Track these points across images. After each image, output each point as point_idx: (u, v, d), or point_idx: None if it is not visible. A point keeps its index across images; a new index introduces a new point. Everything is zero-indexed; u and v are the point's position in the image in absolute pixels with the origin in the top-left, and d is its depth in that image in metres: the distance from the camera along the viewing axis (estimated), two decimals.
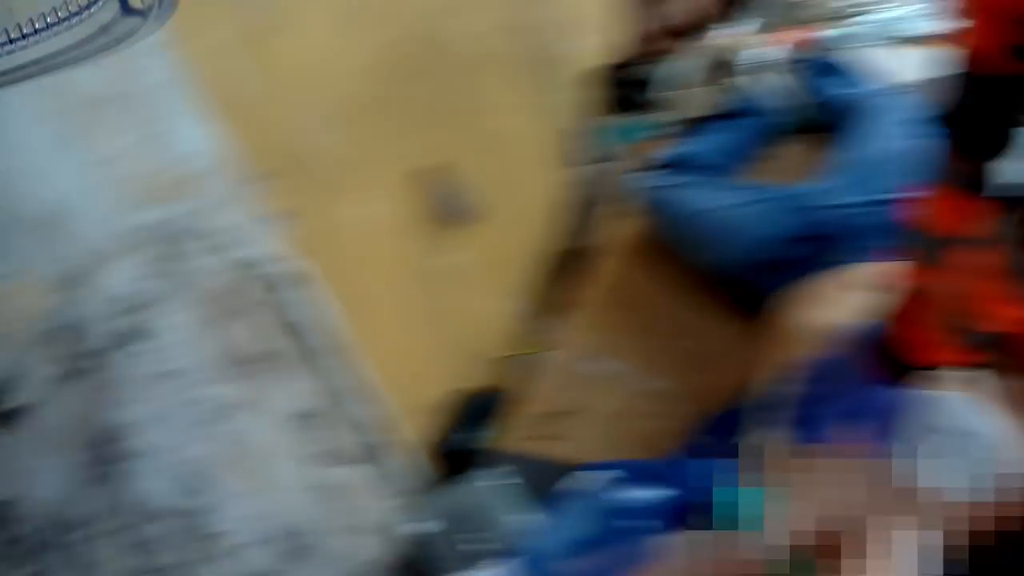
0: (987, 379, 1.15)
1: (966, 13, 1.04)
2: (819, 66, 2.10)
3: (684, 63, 2.34)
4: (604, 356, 1.63)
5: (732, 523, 1.08)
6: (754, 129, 1.98)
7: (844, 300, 1.31)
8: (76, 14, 0.85)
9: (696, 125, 2.03)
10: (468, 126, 1.68)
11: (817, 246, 1.49)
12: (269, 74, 1.13)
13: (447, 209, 1.51)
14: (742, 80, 2.12)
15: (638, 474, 1.21)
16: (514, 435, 1.53)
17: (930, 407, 1.12)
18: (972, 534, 1.03)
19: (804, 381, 1.15)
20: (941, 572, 1.01)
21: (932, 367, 1.03)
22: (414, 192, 1.47)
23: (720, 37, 2.37)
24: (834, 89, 1.98)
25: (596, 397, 1.56)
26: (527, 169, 2.00)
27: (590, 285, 1.82)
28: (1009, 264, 0.92)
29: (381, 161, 1.39)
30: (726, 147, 1.90)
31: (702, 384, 1.51)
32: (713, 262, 1.64)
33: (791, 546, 1.04)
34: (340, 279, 1.25)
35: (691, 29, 2.62)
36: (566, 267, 1.95)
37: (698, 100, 2.15)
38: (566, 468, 1.36)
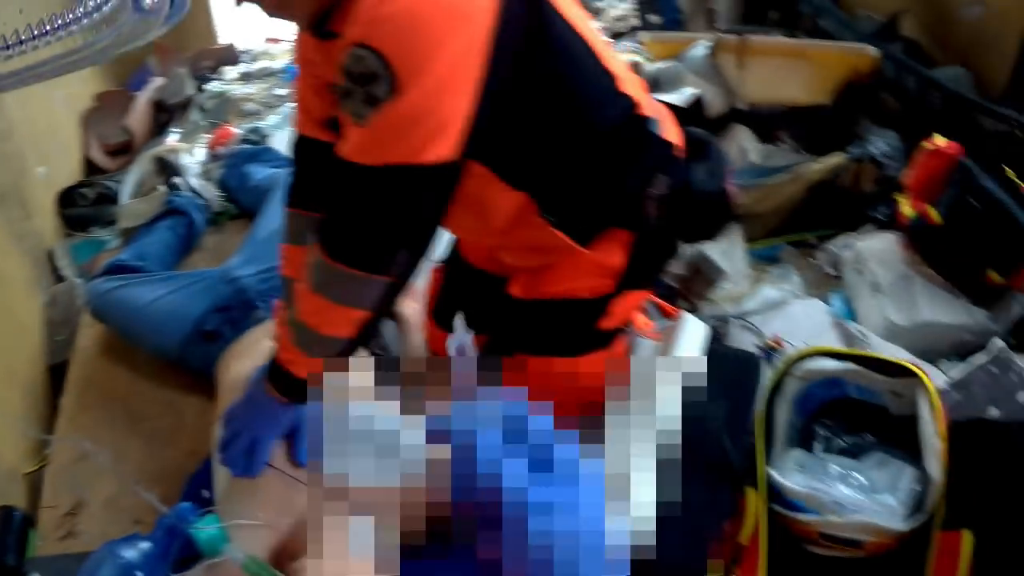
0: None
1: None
2: (242, 157, 2.45)
3: (129, 176, 2.60)
4: (92, 451, 1.72)
5: (205, 545, 1.20)
6: (184, 227, 2.27)
7: (264, 349, 1.48)
8: (88, 15, 0.84)
9: (140, 230, 2.28)
10: None
11: (234, 312, 1.82)
12: None
13: None
14: (177, 183, 2.42)
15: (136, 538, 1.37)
16: (42, 544, 1.61)
17: (340, 416, 1.26)
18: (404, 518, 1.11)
19: (226, 424, 1.32)
20: (397, 552, 1.09)
21: None
22: None
23: (157, 148, 2.65)
24: (256, 176, 2.34)
25: (92, 491, 1.70)
26: (10, 294, 2.10)
27: (67, 394, 1.96)
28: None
29: None
30: (158, 248, 2.17)
31: (175, 454, 1.73)
32: (161, 347, 1.87)
33: (257, 560, 1.16)
34: None
35: (133, 144, 2.88)
36: (54, 382, 2.07)
37: (139, 209, 2.39)
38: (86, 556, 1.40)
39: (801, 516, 1.19)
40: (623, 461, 1.11)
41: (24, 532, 1.63)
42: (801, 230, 2.03)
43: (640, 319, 1.58)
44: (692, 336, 1.23)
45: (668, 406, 1.07)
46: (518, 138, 1.13)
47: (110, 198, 2.59)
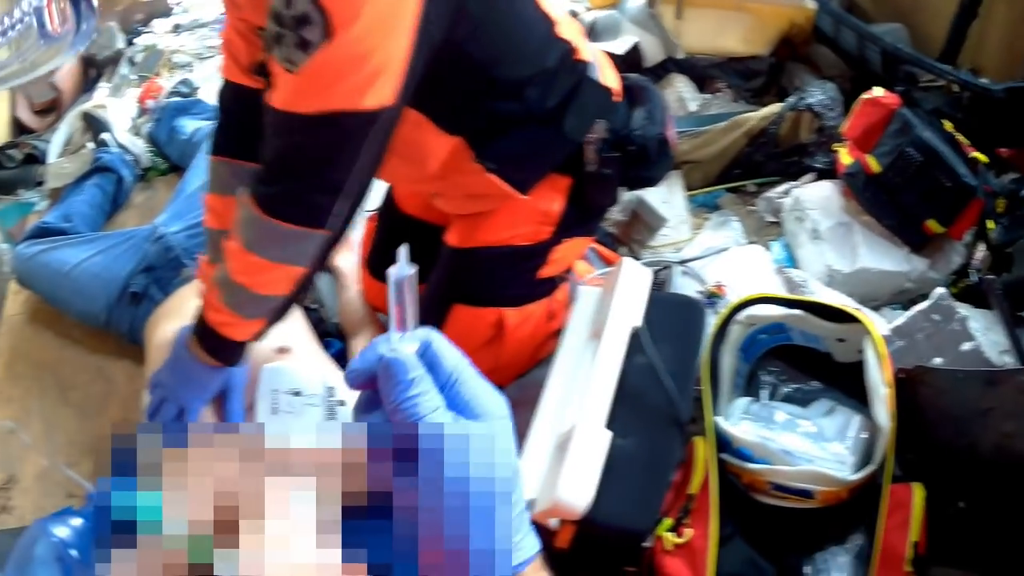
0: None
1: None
2: (171, 111, 2.35)
3: (57, 135, 2.47)
4: (19, 426, 1.73)
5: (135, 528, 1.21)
6: (112, 184, 2.18)
7: (187, 310, 1.44)
8: None
9: (67, 190, 2.18)
10: None
11: (161, 272, 1.76)
12: None
13: None
14: (105, 139, 2.31)
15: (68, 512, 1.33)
16: None
17: (260, 379, 1.32)
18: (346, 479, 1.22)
19: (151, 390, 1.28)
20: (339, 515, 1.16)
21: None
22: None
23: (85, 104, 2.53)
24: (186, 130, 2.25)
25: (23, 464, 1.67)
26: None
27: None
28: None
29: None
30: (84, 207, 2.08)
31: (106, 422, 1.69)
32: (88, 311, 1.80)
33: (190, 534, 1.16)
34: None
35: (61, 102, 2.76)
36: None
37: (66, 168, 2.29)
38: (19, 532, 1.37)
39: (751, 466, 1.19)
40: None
41: None
42: (741, 179, 2.03)
43: (580, 266, 1.57)
44: (634, 281, 1.20)
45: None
46: (453, 83, 1.11)
47: (38, 159, 2.48)
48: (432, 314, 1.36)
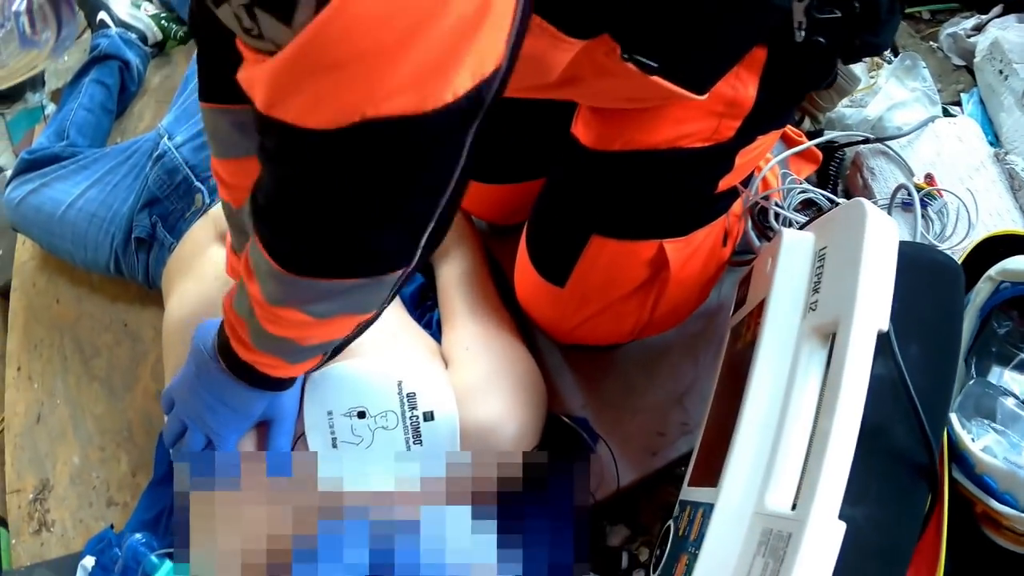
0: None
1: None
2: None
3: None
4: (45, 411, 1.43)
5: None
6: (118, 71, 1.73)
7: (213, 261, 1.12)
8: None
9: (64, 93, 1.72)
10: None
11: (169, 203, 1.29)
12: None
13: None
14: (103, 19, 1.83)
15: (107, 556, 1.04)
16: (15, 543, 1.32)
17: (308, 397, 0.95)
18: None
19: (167, 406, 0.94)
20: None
21: None
22: None
23: None
24: None
25: (55, 463, 1.37)
26: None
27: (10, 333, 1.57)
28: None
29: None
30: (82, 114, 1.63)
31: (137, 400, 1.35)
32: (91, 260, 1.40)
33: None
34: None
35: None
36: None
37: (67, 63, 1.85)
38: (68, 562, 1.18)
39: (996, 505, 0.79)
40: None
41: None
42: (912, 3, 1.48)
43: (768, 175, 1.07)
44: (880, 242, 0.71)
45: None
46: None
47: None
48: (561, 245, 0.93)
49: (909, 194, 1.09)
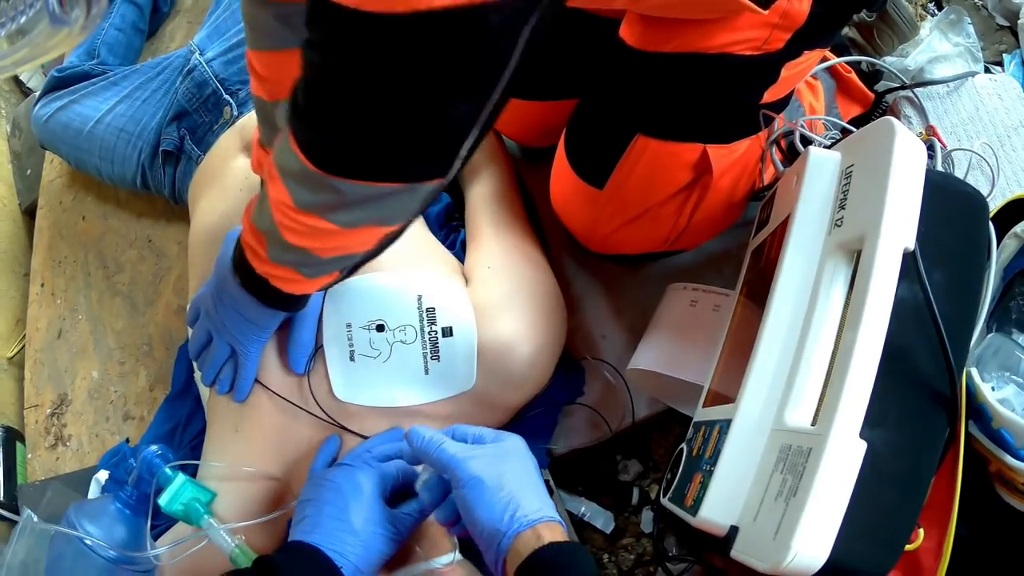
0: None
1: None
2: None
3: None
4: (66, 326, 1.44)
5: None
6: None
7: (238, 174, 1.11)
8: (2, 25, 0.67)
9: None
10: None
11: (197, 116, 1.30)
12: None
13: None
14: None
15: (121, 471, 1.07)
16: (32, 458, 1.35)
17: (329, 309, 0.95)
18: None
19: (193, 316, 0.94)
20: None
21: None
22: None
23: None
24: None
25: (74, 377, 1.39)
26: None
27: (35, 251, 1.57)
28: None
29: None
30: (120, 27, 1.62)
31: (158, 315, 1.36)
32: (118, 175, 1.40)
33: (247, 552, 0.86)
34: None
35: None
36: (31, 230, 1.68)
37: None
38: (82, 477, 1.22)
39: (1013, 461, 0.77)
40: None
41: (12, 450, 1.35)
42: None
43: (807, 95, 1.06)
44: (907, 164, 0.69)
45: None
46: None
47: None
48: (603, 144, 0.92)
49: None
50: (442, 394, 0.91)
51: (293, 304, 0.85)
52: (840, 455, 0.57)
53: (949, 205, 0.74)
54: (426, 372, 0.91)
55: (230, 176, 1.11)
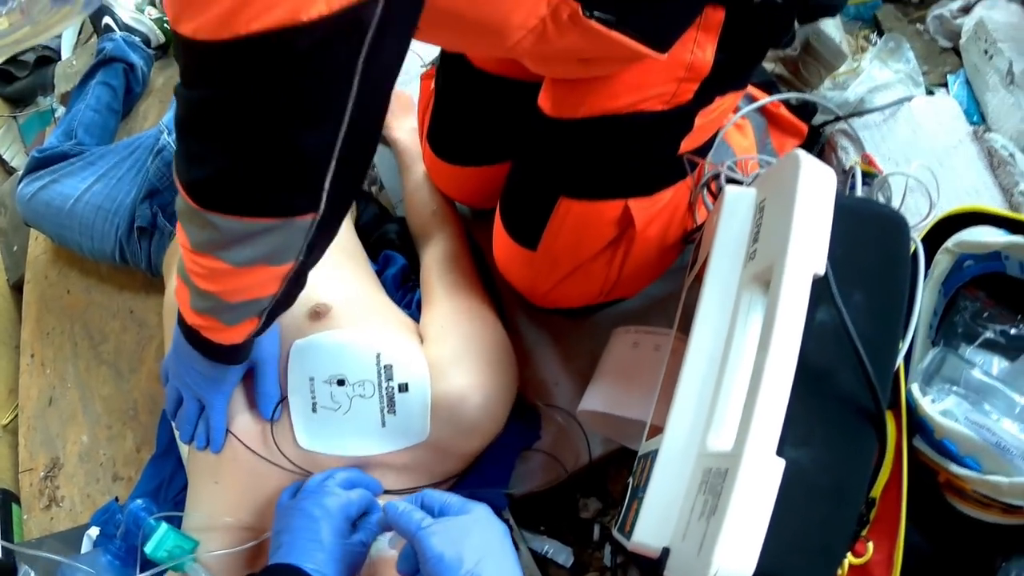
0: None
1: None
2: None
3: (66, 29, 2.10)
4: (56, 394, 1.51)
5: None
6: (123, 73, 1.81)
7: None
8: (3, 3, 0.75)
9: (72, 96, 1.80)
10: None
11: (165, 196, 1.38)
12: None
13: None
14: (108, 24, 1.92)
15: (110, 527, 1.12)
16: (28, 519, 1.39)
17: (292, 363, 1.00)
18: None
19: (165, 380, 1.00)
20: None
21: None
22: None
23: None
24: None
25: (65, 443, 1.44)
26: None
27: (24, 322, 1.64)
28: None
29: None
30: (89, 114, 1.71)
31: (142, 382, 1.43)
32: (98, 251, 1.47)
33: None
34: None
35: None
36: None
37: (73, 67, 1.94)
38: (74, 535, 1.23)
39: (957, 469, 0.80)
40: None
41: (9, 512, 1.40)
42: None
43: (735, 137, 1.11)
44: (814, 190, 0.72)
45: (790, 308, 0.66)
46: None
47: (54, 58, 2.12)
48: (531, 209, 0.98)
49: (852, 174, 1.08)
50: (398, 445, 0.97)
51: (231, 355, 0.89)
52: (756, 473, 0.60)
53: (866, 228, 0.77)
54: (383, 424, 0.97)
55: None
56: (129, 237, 1.40)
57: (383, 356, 0.97)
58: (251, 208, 0.65)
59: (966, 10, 1.36)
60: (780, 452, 0.60)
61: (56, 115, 2.01)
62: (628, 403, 0.93)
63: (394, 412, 0.96)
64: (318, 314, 1.01)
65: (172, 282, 1.18)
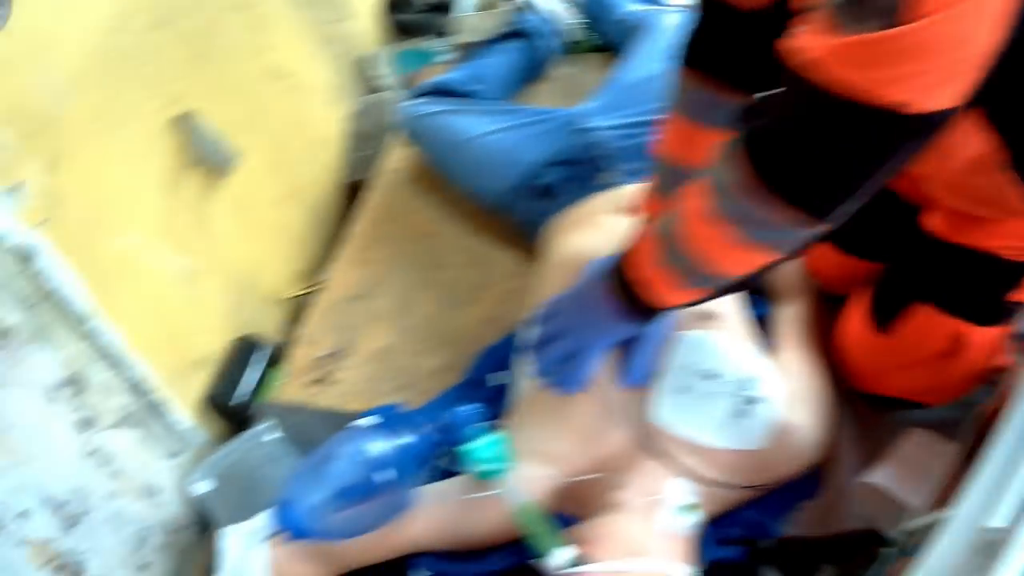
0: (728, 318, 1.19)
1: None
2: None
3: None
4: (371, 292, 1.56)
5: (478, 472, 1.05)
6: (531, 51, 1.91)
7: (607, 225, 1.27)
8: None
9: (473, 49, 1.94)
10: (232, 66, 1.55)
11: (579, 169, 1.47)
12: (3, 37, 1.02)
13: (207, 155, 1.43)
14: (530, 2, 2.03)
15: (397, 421, 1.13)
16: (285, 384, 1.44)
17: (673, 347, 1.13)
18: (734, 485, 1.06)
19: (545, 319, 1.09)
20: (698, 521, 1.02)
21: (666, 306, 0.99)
22: (174, 142, 1.35)
23: None
24: (625, 8, 1.92)
25: (362, 336, 1.48)
26: (308, 103, 1.89)
27: (359, 220, 1.72)
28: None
29: (137, 114, 1.27)
30: (499, 71, 1.83)
31: (471, 317, 1.47)
32: (481, 190, 1.57)
33: (535, 512, 1.00)
34: (101, 239, 1.18)
35: None
36: (346, 202, 1.87)
37: (479, 23, 2.09)
38: (333, 416, 1.29)
39: None
40: None
41: (265, 369, 1.47)
42: None
43: None
44: None
45: None
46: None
47: (444, 7, 2.27)
48: (885, 306, 1.12)
49: None
50: (731, 444, 1.08)
51: (649, 316, 1.00)
52: None
53: None
54: (727, 424, 1.08)
55: (595, 226, 1.30)
56: (518, 190, 1.50)
57: (752, 369, 1.11)
58: (795, 197, 0.78)
59: None
60: None
61: (438, 59, 2.14)
62: (906, 489, 1.03)
63: (741, 417, 1.07)
64: (708, 317, 1.15)
65: (561, 247, 1.29)
